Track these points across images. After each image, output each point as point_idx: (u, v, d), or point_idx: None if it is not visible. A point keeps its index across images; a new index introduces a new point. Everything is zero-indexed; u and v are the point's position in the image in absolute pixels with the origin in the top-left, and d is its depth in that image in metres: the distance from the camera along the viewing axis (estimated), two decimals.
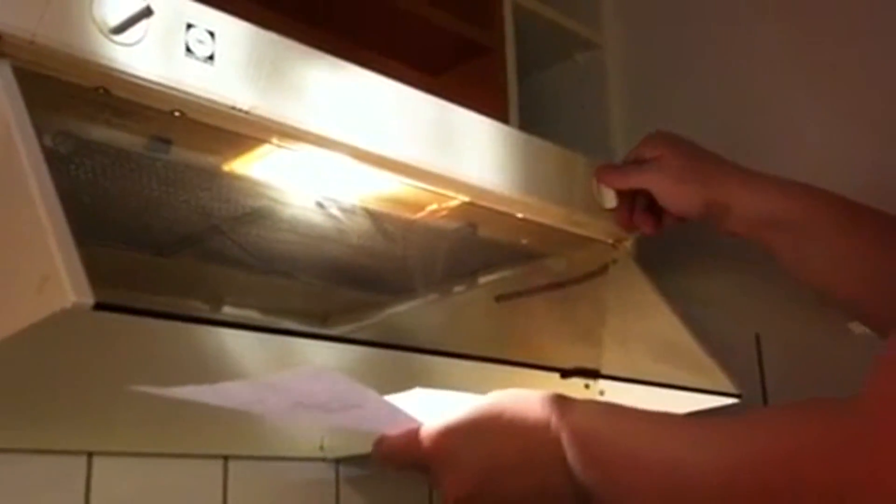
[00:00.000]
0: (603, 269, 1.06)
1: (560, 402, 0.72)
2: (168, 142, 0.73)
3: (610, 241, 1.05)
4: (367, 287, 1.07)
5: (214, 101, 0.68)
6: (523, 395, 0.74)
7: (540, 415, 0.71)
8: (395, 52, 1.14)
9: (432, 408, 0.75)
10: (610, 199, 0.99)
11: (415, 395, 0.77)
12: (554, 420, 0.70)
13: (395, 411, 0.74)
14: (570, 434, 0.69)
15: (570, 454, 0.68)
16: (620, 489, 0.66)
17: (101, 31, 0.62)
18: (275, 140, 0.74)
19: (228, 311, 1.07)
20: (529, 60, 1.26)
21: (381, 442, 0.76)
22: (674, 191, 0.94)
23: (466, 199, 0.89)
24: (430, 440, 0.73)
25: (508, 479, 0.70)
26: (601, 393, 0.98)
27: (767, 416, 0.65)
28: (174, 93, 0.66)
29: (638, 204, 1.00)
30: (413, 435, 0.74)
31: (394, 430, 0.75)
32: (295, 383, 0.68)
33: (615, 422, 0.69)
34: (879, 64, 1.06)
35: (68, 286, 0.50)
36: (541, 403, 0.72)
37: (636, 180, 0.97)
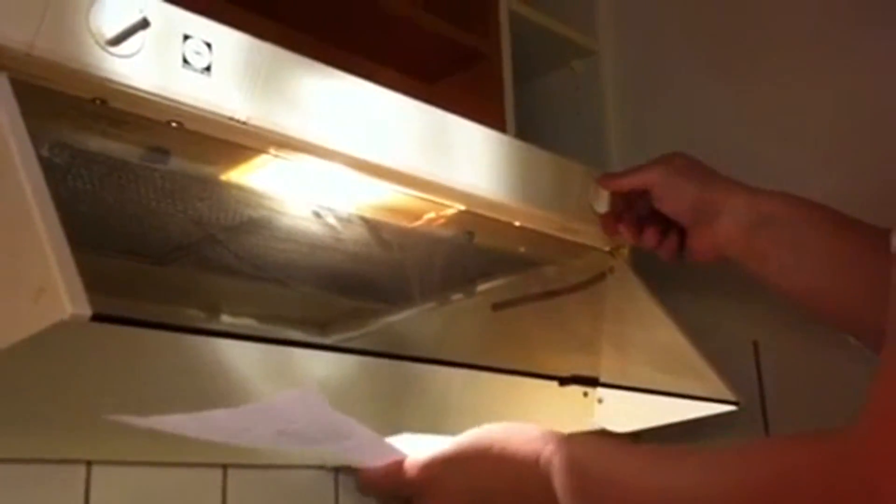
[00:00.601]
0: (600, 277, 1.06)
1: (551, 434, 0.73)
2: (165, 152, 0.73)
3: (607, 248, 1.05)
4: (364, 296, 1.08)
5: (211, 112, 0.68)
6: (515, 428, 0.74)
7: (530, 446, 0.72)
8: (391, 61, 1.15)
9: (420, 448, 0.76)
10: (602, 204, 0.98)
11: (404, 439, 0.78)
12: (545, 452, 0.71)
13: (381, 444, 0.74)
14: (559, 463, 0.70)
15: (559, 482, 0.69)
16: None
17: (97, 42, 0.62)
18: (272, 150, 0.74)
19: (226, 319, 1.07)
20: (526, 68, 1.27)
21: (366, 470, 0.76)
22: (671, 182, 0.94)
23: (463, 207, 0.89)
24: (416, 469, 0.75)
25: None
26: (600, 401, 0.98)
27: (759, 443, 0.65)
28: (171, 104, 0.66)
29: (636, 210, 0.99)
30: (398, 465, 0.75)
31: (379, 461, 0.75)
32: (280, 407, 0.69)
33: (605, 452, 0.69)
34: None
35: (65, 297, 0.50)
36: (532, 435, 0.73)
37: (639, 178, 0.96)
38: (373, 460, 0.76)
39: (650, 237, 0.98)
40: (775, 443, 0.60)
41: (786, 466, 0.57)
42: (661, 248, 0.98)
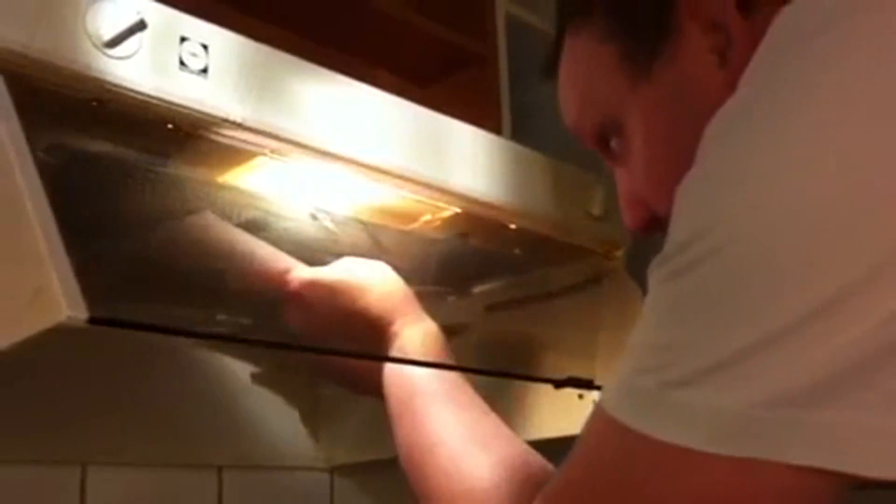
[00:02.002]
0: (596, 279, 1.06)
1: (411, 307, 0.78)
2: (161, 154, 0.73)
3: (602, 251, 1.05)
4: None
5: (208, 114, 0.68)
6: (385, 280, 0.80)
7: (389, 313, 0.78)
8: (386, 63, 1.15)
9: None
10: (597, 206, 0.98)
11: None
12: (397, 325, 0.77)
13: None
14: (398, 346, 0.76)
15: (386, 372, 0.75)
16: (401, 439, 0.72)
17: (94, 44, 0.63)
18: (268, 152, 0.74)
19: (222, 319, 1.07)
20: (522, 70, 1.27)
21: (260, 266, 0.83)
22: None
23: (458, 209, 0.89)
24: (297, 282, 0.81)
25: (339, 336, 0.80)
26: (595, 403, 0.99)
27: None
28: (168, 105, 0.66)
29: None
30: (286, 271, 0.81)
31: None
32: None
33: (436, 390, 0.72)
34: None
35: (62, 300, 0.50)
36: (394, 298, 0.79)
37: None
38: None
39: None
40: None
41: None
42: None
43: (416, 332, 0.77)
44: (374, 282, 0.80)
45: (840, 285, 0.39)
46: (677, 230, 0.45)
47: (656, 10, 0.57)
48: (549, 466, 0.66)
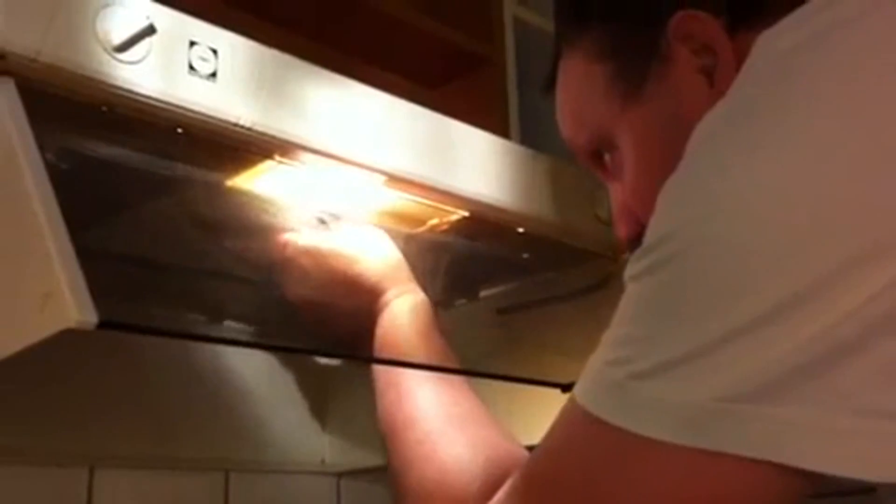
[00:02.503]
0: (603, 283, 1.06)
1: (403, 288, 0.79)
2: (170, 158, 0.73)
3: (610, 254, 1.05)
4: None
5: (217, 118, 0.68)
6: (383, 251, 0.82)
7: (382, 281, 0.79)
8: (394, 66, 1.15)
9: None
10: (605, 210, 0.98)
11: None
12: (389, 294, 0.79)
13: None
14: (390, 319, 0.77)
15: (377, 332, 0.77)
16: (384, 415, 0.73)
17: (104, 48, 0.63)
18: (276, 156, 0.74)
19: (229, 324, 1.08)
20: (529, 73, 1.27)
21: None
22: None
23: (466, 213, 0.89)
24: (293, 248, 0.82)
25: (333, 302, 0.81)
26: None
27: None
28: (177, 110, 0.66)
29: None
30: (285, 239, 0.82)
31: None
32: None
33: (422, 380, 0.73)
34: None
35: (71, 304, 0.50)
36: (389, 270, 0.80)
37: None
38: None
39: None
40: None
41: None
42: None
43: (406, 303, 0.79)
44: (369, 249, 0.82)
45: (797, 287, 0.41)
46: (652, 230, 0.47)
47: (647, 31, 0.59)
48: (524, 452, 0.66)
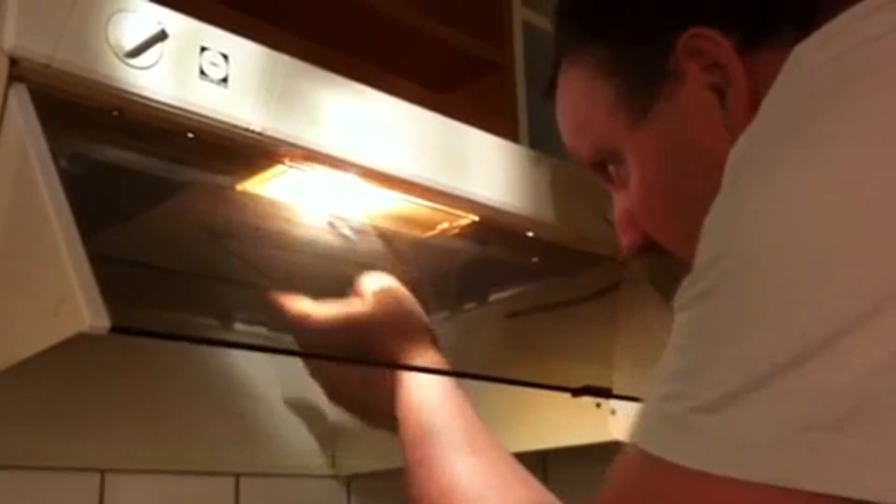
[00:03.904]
0: (613, 287, 1.06)
1: (425, 357, 0.75)
2: (182, 163, 0.73)
3: (620, 258, 1.05)
4: None
5: (228, 123, 0.69)
6: (404, 317, 0.78)
7: (403, 352, 0.76)
8: (404, 70, 1.15)
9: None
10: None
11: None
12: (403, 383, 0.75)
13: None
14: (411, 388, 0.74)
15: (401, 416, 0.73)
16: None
17: (116, 54, 0.63)
18: (287, 161, 0.74)
19: (240, 328, 1.08)
20: (539, 77, 1.27)
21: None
22: None
23: (476, 217, 0.89)
24: (315, 321, 0.78)
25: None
26: (612, 412, 0.98)
27: None
28: (188, 115, 0.67)
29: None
30: (301, 306, 0.79)
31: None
32: None
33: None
34: None
35: (84, 309, 0.50)
36: (411, 338, 0.77)
37: None
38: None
39: None
40: None
41: None
42: None
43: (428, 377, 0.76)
44: (390, 317, 0.78)
45: (860, 307, 0.38)
46: (698, 257, 0.44)
47: (654, 49, 0.57)
48: None
